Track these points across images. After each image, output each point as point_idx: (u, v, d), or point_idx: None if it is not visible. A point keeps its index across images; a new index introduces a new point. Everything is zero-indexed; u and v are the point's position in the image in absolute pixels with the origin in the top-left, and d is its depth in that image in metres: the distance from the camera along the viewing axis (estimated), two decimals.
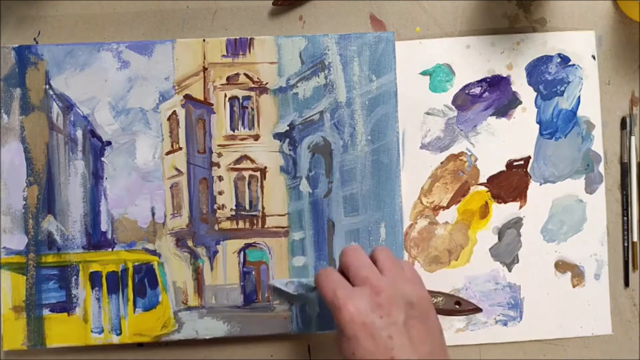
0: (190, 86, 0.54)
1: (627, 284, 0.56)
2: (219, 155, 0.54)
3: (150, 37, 0.55)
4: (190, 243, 0.54)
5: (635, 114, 0.56)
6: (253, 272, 0.54)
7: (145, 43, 0.54)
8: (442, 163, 0.55)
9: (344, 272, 0.47)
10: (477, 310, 0.54)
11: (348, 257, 0.47)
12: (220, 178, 0.54)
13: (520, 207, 0.56)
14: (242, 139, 0.54)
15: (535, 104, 0.56)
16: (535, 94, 0.56)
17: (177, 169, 0.54)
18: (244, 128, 0.54)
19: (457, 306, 0.54)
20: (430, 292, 0.51)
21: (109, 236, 0.54)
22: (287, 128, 0.54)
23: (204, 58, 0.54)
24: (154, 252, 0.54)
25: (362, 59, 0.54)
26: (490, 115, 0.56)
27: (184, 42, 0.54)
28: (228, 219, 0.54)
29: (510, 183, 0.56)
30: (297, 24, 0.55)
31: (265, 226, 0.54)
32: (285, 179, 0.54)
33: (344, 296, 0.44)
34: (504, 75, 0.56)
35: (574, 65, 0.56)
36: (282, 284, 0.53)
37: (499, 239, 0.55)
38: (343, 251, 0.47)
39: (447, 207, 0.55)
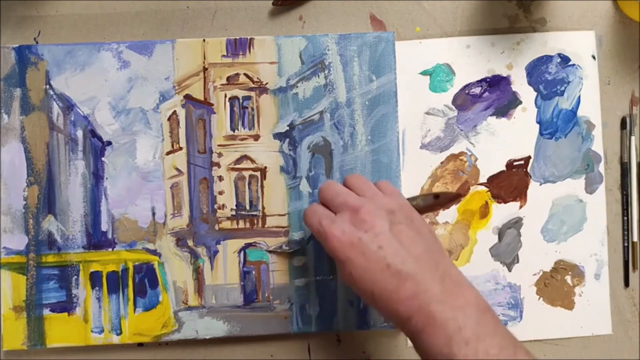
0: (191, 86, 0.54)
1: (627, 284, 0.56)
2: (219, 155, 0.54)
3: (150, 37, 0.55)
4: (190, 243, 0.54)
5: (635, 114, 0.56)
6: (253, 272, 0.54)
7: (145, 43, 0.54)
8: (442, 163, 0.55)
9: (326, 207, 0.48)
10: (458, 195, 0.53)
11: (323, 191, 0.48)
12: (220, 178, 0.54)
13: (521, 207, 0.56)
14: (242, 139, 0.54)
15: (535, 104, 0.56)
16: (535, 94, 0.56)
17: (177, 169, 0.54)
18: (244, 128, 0.54)
19: (436, 199, 0.52)
20: (408, 198, 0.51)
21: (110, 236, 0.54)
22: (287, 128, 0.54)
23: (204, 58, 0.54)
24: (154, 252, 0.54)
25: (362, 59, 0.54)
26: (490, 115, 0.56)
27: (184, 42, 0.54)
28: (228, 218, 0.54)
29: (511, 183, 0.56)
30: (297, 24, 0.55)
31: (266, 226, 0.54)
32: (285, 179, 0.54)
33: (327, 224, 0.45)
34: (504, 75, 0.56)
35: (574, 65, 0.56)
36: (279, 248, 0.53)
37: (499, 239, 0.55)
38: (319, 188, 0.49)
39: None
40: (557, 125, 0.56)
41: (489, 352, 0.40)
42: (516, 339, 0.43)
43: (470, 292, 0.43)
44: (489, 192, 0.56)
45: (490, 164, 0.56)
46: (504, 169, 0.56)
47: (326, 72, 0.54)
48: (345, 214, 0.45)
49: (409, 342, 0.55)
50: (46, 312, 0.53)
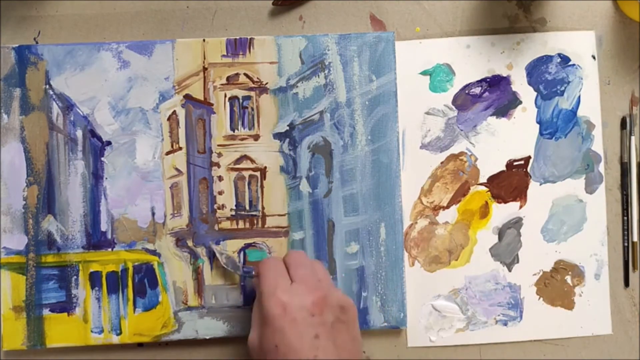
0: (190, 86, 0.54)
1: (627, 284, 0.56)
2: (219, 155, 0.54)
3: (150, 37, 0.55)
4: (190, 243, 0.54)
5: (635, 114, 0.56)
6: (253, 272, 0.54)
7: (145, 43, 0.54)
8: (442, 163, 0.55)
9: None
10: None
11: (290, 257, 0.48)
12: (220, 178, 0.54)
13: (520, 207, 0.56)
14: (242, 139, 0.54)
15: (535, 104, 0.56)
16: (535, 94, 0.56)
17: (177, 169, 0.54)
18: (244, 128, 0.54)
19: None
20: None
21: (109, 236, 0.54)
22: (287, 128, 0.54)
23: (204, 58, 0.54)
24: (154, 252, 0.54)
25: (362, 59, 0.54)
26: (490, 115, 0.56)
27: (184, 42, 0.54)
28: (228, 219, 0.54)
29: (510, 183, 0.56)
30: (297, 24, 0.55)
31: (265, 226, 0.54)
32: (285, 179, 0.54)
33: (281, 287, 0.45)
34: (504, 75, 0.56)
35: (574, 65, 0.56)
36: (218, 253, 0.53)
37: (499, 239, 0.55)
38: (287, 253, 0.50)
39: (447, 207, 0.55)
40: (557, 125, 0.56)
41: None
42: None
43: None
44: (489, 192, 0.56)
45: (490, 164, 0.56)
46: (504, 169, 0.56)
47: (326, 72, 0.54)
48: (302, 287, 0.45)
49: (409, 342, 0.55)
50: (46, 312, 0.53)
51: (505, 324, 0.55)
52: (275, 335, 0.43)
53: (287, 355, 0.43)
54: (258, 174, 0.54)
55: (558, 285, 0.55)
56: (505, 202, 0.56)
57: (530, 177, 0.56)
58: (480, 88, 0.56)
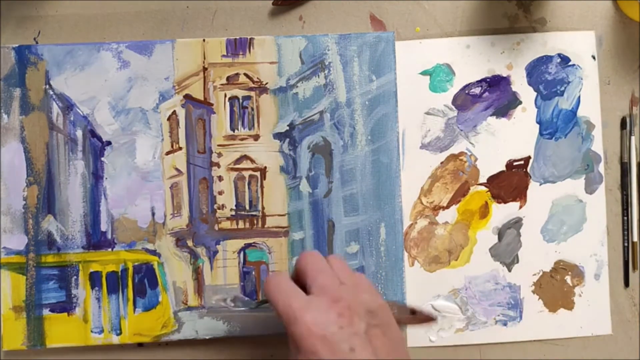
0: (190, 86, 0.54)
1: (627, 284, 0.56)
2: (219, 155, 0.54)
3: (150, 37, 0.55)
4: (190, 243, 0.54)
5: (635, 114, 0.56)
6: (253, 272, 0.54)
7: (145, 43, 0.54)
8: (442, 163, 0.55)
9: (298, 278, 0.44)
10: (431, 319, 0.49)
11: (306, 261, 0.43)
12: (220, 178, 0.54)
13: (520, 207, 0.56)
14: (242, 139, 0.54)
15: (535, 104, 0.56)
16: (535, 94, 0.56)
17: (177, 169, 0.54)
18: (244, 128, 0.54)
19: (412, 314, 0.48)
20: (387, 302, 0.47)
21: (109, 236, 0.54)
22: (287, 128, 0.54)
23: (204, 58, 0.54)
24: (154, 252, 0.54)
25: (362, 59, 0.54)
26: (490, 115, 0.56)
27: (184, 42, 0.54)
28: (228, 219, 0.54)
29: (510, 183, 0.56)
30: (297, 24, 0.55)
31: (265, 226, 0.54)
32: (285, 179, 0.54)
33: (299, 307, 0.40)
34: (504, 75, 0.56)
35: (574, 65, 0.56)
36: (221, 300, 0.53)
37: (499, 239, 0.55)
38: (301, 256, 0.44)
39: (447, 207, 0.55)
40: (557, 126, 0.56)
41: None
42: None
43: None
44: (488, 192, 0.56)
45: (490, 164, 0.56)
46: (504, 169, 0.56)
47: (326, 72, 0.54)
48: (323, 300, 0.40)
49: (409, 342, 0.55)
50: (46, 312, 0.53)
51: (505, 324, 0.55)
52: (309, 357, 0.39)
53: None
54: (258, 174, 0.54)
55: (558, 285, 0.55)
56: (505, 202, 0.56)
57: (530, 177, 0.56)
58: (480, 88, 0.56)
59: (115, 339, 0.53)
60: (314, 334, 0.39)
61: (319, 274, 0.42)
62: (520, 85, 0.56)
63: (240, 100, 0.54)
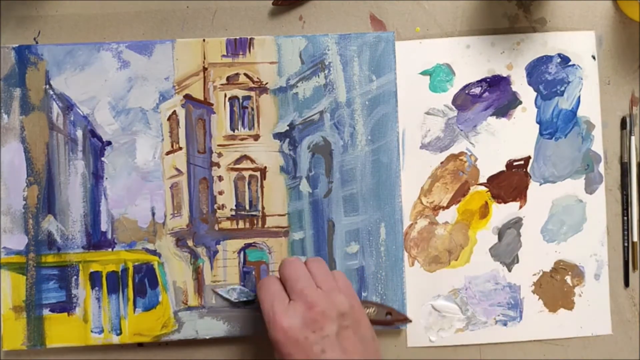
0: (190, 86, 0.54)
1: (627, 284, 0.56)
2: (219, 155, 0.54)
3: (150, 37, 0.55)
4: (190, 243, 0.54)
5: (635, 114, 0.56)
6: (253, 272, 0.54)
7: (145, 43, 0.54)
8: (442, 163, 0.55)
9: (283, 283, 0.48)
10: (407, 320, 0.54)
11: (285, 269, 0.48)
12: (220, 178, 0.54)
13: (520, 207, 0.56)
14: (242, 139, 0.54)
15: (535, 104, 0.56)
16: (535, 94, 0.56)
17: (177, 169, 0.54)
18: (244, 128, 0.54)
19: (388, 316, 0.53)
20: (364, 302, 0.53)
21: (109, 236, 0.54)
22: (287, 128, 0.54)
23: (204, 58, 0.54)
24: (154, 252, 0.54)
25: (362, 59, 0.54)
26: (490, 115, 0.56)
27: (184, 42, 0.54)
28: (228, 219, 0.54)
29: (510, 183, 0.56)
30: (297, 24, 0.55)
31: (265, 226, 0.54)
32: (285, 179, 0.54)
33: (279, 312, 0.45)
34: (504, 75, 0.56)
35: (574, 65, 0.56)
36: (224, 292, 0.53)
37: (499, 239, 0.55)
38: (282, 262, 0.48)
39: (447, 207, 0.55)
40: (557, 126, 0.56)
41: None
42: None
43: None
44: (488, 192, 0.56)
45: (490, 164, 0.56)
46: (504, 169, 0.56)
47: (326, 72, 0.54)
48: (299, 305, 0.45)
49: (409, 342, 0.55)
50: (46, 312, 0.53)
51: (505, 324, 0.55)
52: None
53: None
54: (258, 174, 0.54)
55: (558, 285, 0.55)
56: (505, 202, 0.56)
57: (530, 177, 0.56)
58: (480, 88, 0.56)
59: (115, 339, 0.53)
60: (289, 338, 0.44)
61: (297, 281, 0.47)
62: (520, 85, 0.56)
63: (240, 100, 0.54)
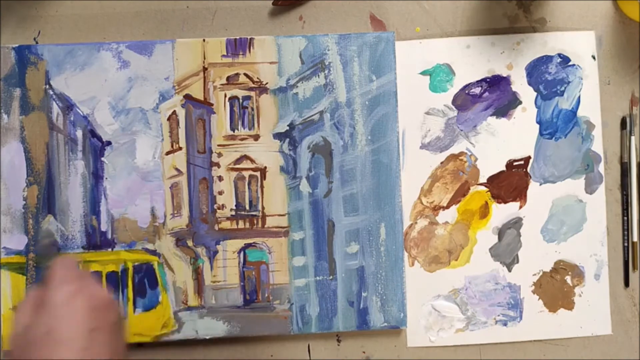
0: (190, 86, 0.54)
1: (627, 284, 0.56)
2: (219, 155, 0.54)
3: (150, 37, 0.55)
4: (190, 243, 0.54)
5: (635, 114, 0.56)
6: (253, 272, 0.54)
7: (145, 43, 0.54)
8: (442, 163, 0.55)
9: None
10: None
11: (53, 268, 0.44)
12: (220, 178, 0.54)
13: (520, 207, 0.56)
14: (242, 139, 0.54)
15: (535, 104, 0.56)
16: (535, 94, 0.56)
17: (177, 169, 0.54)
18: (244, 128, 0.54)
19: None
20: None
21: (109, 236, 0.54)
22: (287, 128, 0.54)
23: (204, 58, 0.54)
24: (154, 252, 0.54)
25: (362, 59, 0.54)
26: (490, 115, 0.56)
27: (184, 42, 0.54)
28: (228, 219, 0.54)
29: (510, 183, 0.56)
30: (297, 24, 0.55)
31: (265, 226, 0.54)
32: (285, 179, 0.54)
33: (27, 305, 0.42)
34: (504, 75, 0.56)
35: (574, 65, 0.56)
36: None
37: (499, 239, 0.55)
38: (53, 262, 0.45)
39: (447, 207, 0.55)
40: (557, 126, 0.56)
41: None
42: None
43: None
44: (489, 192, 0.56)
45: (490, 164, 0.56)
46: (504, 169, 0.56)
47: (326, 72, 0.54)
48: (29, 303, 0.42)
49: (409, 342, 0.55)
50: None
51: (505, 324, 0.55)
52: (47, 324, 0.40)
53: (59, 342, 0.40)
54: (258, 174, 0.54)
55: (558, 285, 0.55)
56: (505, 202, 0.56)
57: (530, 177, 0.56)
58: (480, 88, 0.56)
59: None
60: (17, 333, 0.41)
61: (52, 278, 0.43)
62: (520, 85, 0.56)
63: (240, 100, 0.54)
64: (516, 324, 0.55)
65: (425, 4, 0.56)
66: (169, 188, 0.54)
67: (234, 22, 0.55)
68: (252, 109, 0.54)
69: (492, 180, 0.56)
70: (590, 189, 0.56)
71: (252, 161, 0.54)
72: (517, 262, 0.55)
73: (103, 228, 0.54)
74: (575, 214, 0.56)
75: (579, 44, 0.56)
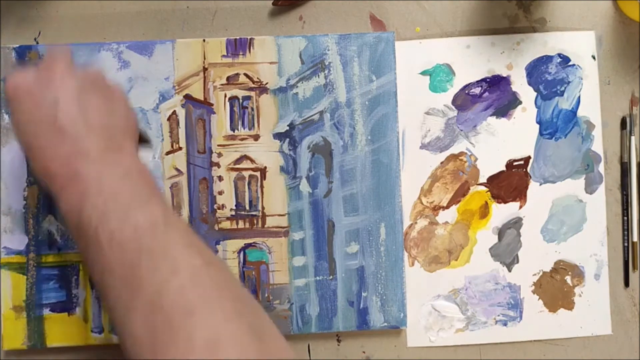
0: (190, 86, 0.54)
1: (627, 284, 0.56)
2: (219, 155, 0.54)
3: (150, 37, 0.55)
4: None
5: (635, 114, 0.56)
6: (253, 272, 0.54)
7: (145, 43, 0.54)
8: (442, 163, 0.55)
9: None
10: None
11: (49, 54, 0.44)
12: (220, 178, 0.54)
13: (520, 207, 0.56)
14: (242, 139, 0.54)
15: (535, 104, 0.56)
16: (535, 94, 0.56)
17: (177, 169, 0.54)
18: (244, 128, 0.54)
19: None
20: None
21: None
22: (287, 128, 0.54)
23: (204, 58, 0.54)
24: None
25: (362, 59, 0.54)
26: (490, 115, 0.56)
27: (184, 42, 0.54)
28: (228, 219, 0.54)
29: (510, 183, 0.56)
30: (297, 24, 0.55)
31: (265, 226, 0.54)
32: (285, 179, 0.54)
33: (18, 73, 0.42)
34: (504, 75, 0.56)
35: (574, 65, 0.56)
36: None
37: (499, 239, 0.55)
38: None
39: (447, 207, 0.55)
40: (557, 126, 0.56)
41: (126, 213, 0.38)
42: (158, 191, 0.41)
43: (130, 158, 0.41)
44: (488, 192, 0.56)
45: (490, 164, 0.56)
46: (504, 169, 0.56)
47: (326, 72, 0.54)
48: (39, 68, 0.42)
49: (409, 342, 0.55)
50: (46, 312, 0.53)
51: (505, 324, 0.55)
52: (14, 111, 0.41)
53: (28, 125, 0.41)
54: (258, 174, 0.54)
55: (558, 285, 0.55)
56: (505, 202, 0.56)
57: (530, 177, 0.56)
58: (480, 88, 0.56)
59: (115, 339, 0.53)
60: (20, 86, 0.41)
61: (51, 49, 0.44)
62: (520, 85, 0.56)
63: (240, 100, 0.54)
64: (516, 324, 0.55)
65: (425, 4, 0.56)
66: (169, 188, 0.54)
67: (234, 22, 0.55)
68: (252, 109, 0.54)
69: (492, 180, 0.56)
70: (590, 189, 0.56)
71: (252, 161, 0.54)
72: (517, 262, 0.55)
73: None
74: (575, 214, 0.56)
75: (579, 44, 0.56)
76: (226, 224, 0.54)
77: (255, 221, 0.54)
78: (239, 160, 0.54)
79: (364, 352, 0.55)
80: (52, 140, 0.40)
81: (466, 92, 0.56)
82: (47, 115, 0.40)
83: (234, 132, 0.54)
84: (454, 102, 0.55)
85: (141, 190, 0.40)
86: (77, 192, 0.39)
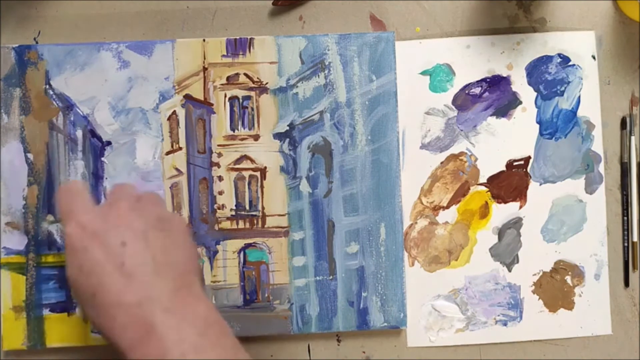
0: (190, 86, 0.54)
1: (627, 284, 0.56)
2: (219, 155, 0.54)
3: (150, 37, 0.55)
4: None
5: (635, 114, 0.56)
6: (253, 272, 0.54)
7: (145, 43, 0.54)
8: (442, 163, 0.55)
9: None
10: None
11: (113, 190, 0.44)
12: (220, 178, 0.54)
13: (520, 207, 0.56)
14: (242, 139, 0.54)
15: (535, 104, 0.56)
16: (535, 94, 0.56)
17: (177, 169, 0.54)
18: (244, 128, 0.54)
19: None
20: None
21: None
22: (287, 128, 0.54)
23: (204, 58, 0.54)
24: None
25: (362, 59, 0.54)
26: (490, 115, 0.56)
27: (184, 42, 0.54)
28: (228, 219, 0.54)
29: (510, 183, 0.56)
30: (297, 24, 0.55)
31: (265, 226, 0.54)
32: (285, 179, 0.54)
33: (81, 209, 0.41)
34: (504, 75, 0.56)
35: (574, 65, 0.56)
36: None
37: (499, 239, 0.55)
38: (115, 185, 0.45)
39: (447, 207, 0.55)
40: (557, 126, 0.56)
41: None
42: (241, 349, 0.40)
43: (204, 305, 0.40)
44: (488, 192, 0.56)
45: (490, 164, 0.56)
46: (504, 169, 0.56)
47: (326, 72, 0.54)
48: (106, 208, 0.42)
49: (409, 342, 0.55)
50: (46, 312, 0.53)
51: (505, 324, 0.55)
52: (78, 256, 0.39)
53: (93, 270, 0.39)
54: (258, 174, 0.54)
55: (558, 285, 0.55)
56: (505, 202, 0.56)
57: (530, 177, 0.56)
58: (480, 88, 0.56)
59: None
60: (87, 231, 0.40)
61: (119, 199, 0.42)
62: (520, 85, 0.56)
63: (240, 100, 0.54)
64: (516, 324, 0.55)
65: (425, 4, 0.56)
66: (169, 188, 0.54)
67: (234, 22, 0.55)
68: (252, 109, 0.54)
69: (492, 180, 0.56)
70: (590, 189, 0.56)
71: (252, 161, 0.54)
72: (517, 262, 0.55)
73: None
74: (575, 214, 0.56)
75: (579, 44, 0.56)
76: (226, 224, 0.54)
77: (255, 221, 0.54)
78: (239, 160, 0.54)
79: (364, 352, 0.55)
80: (118, 286, 0.38)
81: (466, 92, 0.56)
82: (115, 259, 0.39)
83: (234, 132, 0.54)
84: (454, 102, 0.55)
85: (224, 345, 0.39)
86: (156, 351, 0.37)
